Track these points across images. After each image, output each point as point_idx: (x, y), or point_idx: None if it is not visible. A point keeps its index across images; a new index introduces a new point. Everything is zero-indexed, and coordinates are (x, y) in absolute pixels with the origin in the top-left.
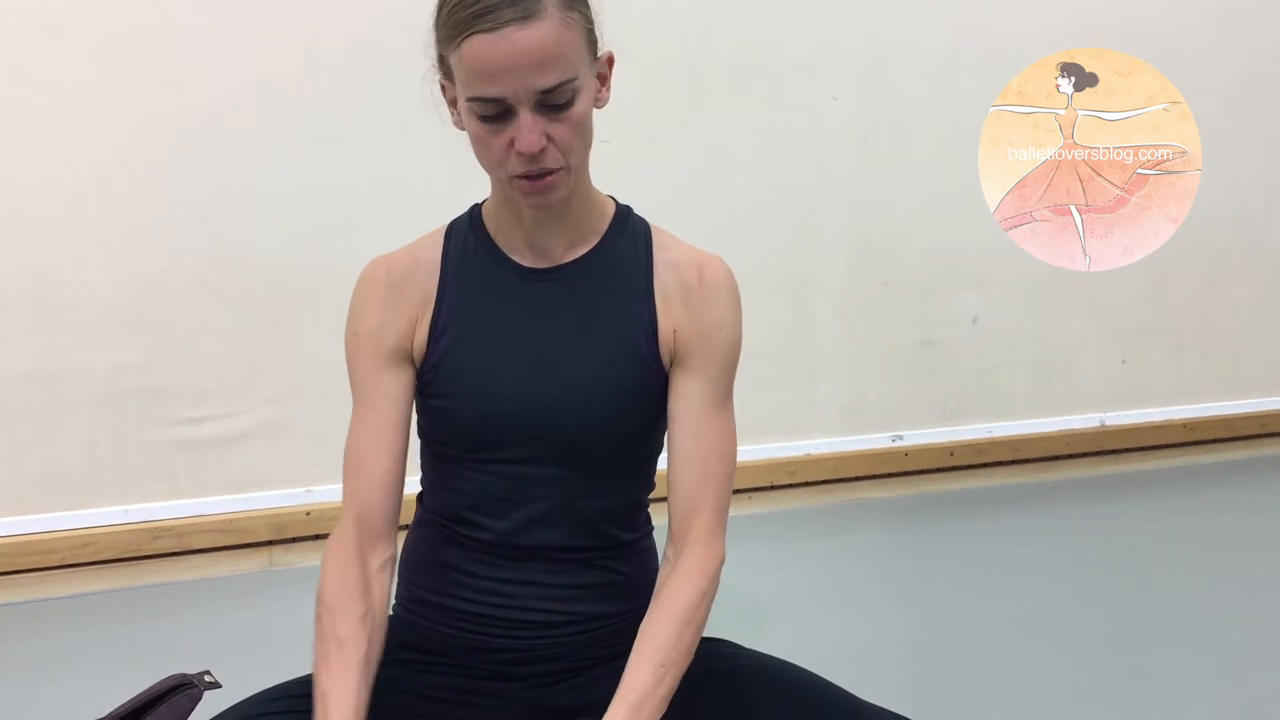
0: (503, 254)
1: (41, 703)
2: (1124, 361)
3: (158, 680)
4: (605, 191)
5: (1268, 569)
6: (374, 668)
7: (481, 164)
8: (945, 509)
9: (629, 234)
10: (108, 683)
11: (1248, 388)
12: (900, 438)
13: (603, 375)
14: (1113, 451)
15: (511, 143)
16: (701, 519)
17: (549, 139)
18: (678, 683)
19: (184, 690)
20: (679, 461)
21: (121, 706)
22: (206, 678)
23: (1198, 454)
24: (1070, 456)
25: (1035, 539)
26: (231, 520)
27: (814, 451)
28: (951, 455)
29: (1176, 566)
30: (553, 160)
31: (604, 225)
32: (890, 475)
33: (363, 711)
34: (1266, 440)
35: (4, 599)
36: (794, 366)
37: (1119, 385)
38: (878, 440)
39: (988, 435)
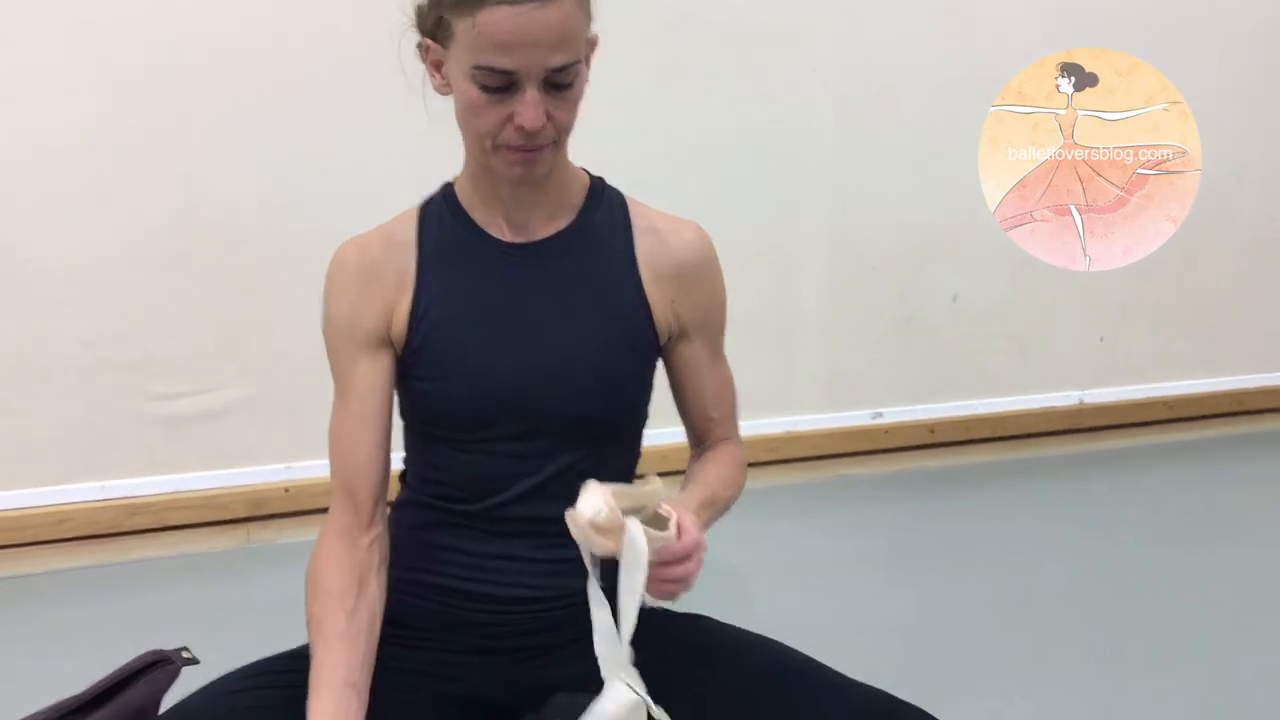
0: (481, 230)
1: (17, 679)
2: (1102, 339)
3: (135, 656)
4: (584, 164)
5: (1245, 545)
6: (369, 641)
7: (465, 132)
8: (925, 486)
9: (606, 205)
10: (84, 659)
11: (1226, 365)
12: (880, 414)
13: (592, 348)
14: (1091, 429)
15: (509, 117)
16: (722, 432)
17: (548, 117)
18: (722, 513)
19: (161, 666)
20: (691, 404)
21: (99, 683)
22: (184, 654)
23: (1176, 431)
24: (1049, 433)
25: (1015, 516)
26: (209, 496)
27: (794, 428)
28: (932, 432)
29: (1155, 542)
30: (548, 137)
31: (580, 198)
32: (871, 452)
33: (356, 683)
34: (1244, 418)
35: None
36: (774, 343)
37: (1097, 362)
38: (858, 417)
39: (968, 412)
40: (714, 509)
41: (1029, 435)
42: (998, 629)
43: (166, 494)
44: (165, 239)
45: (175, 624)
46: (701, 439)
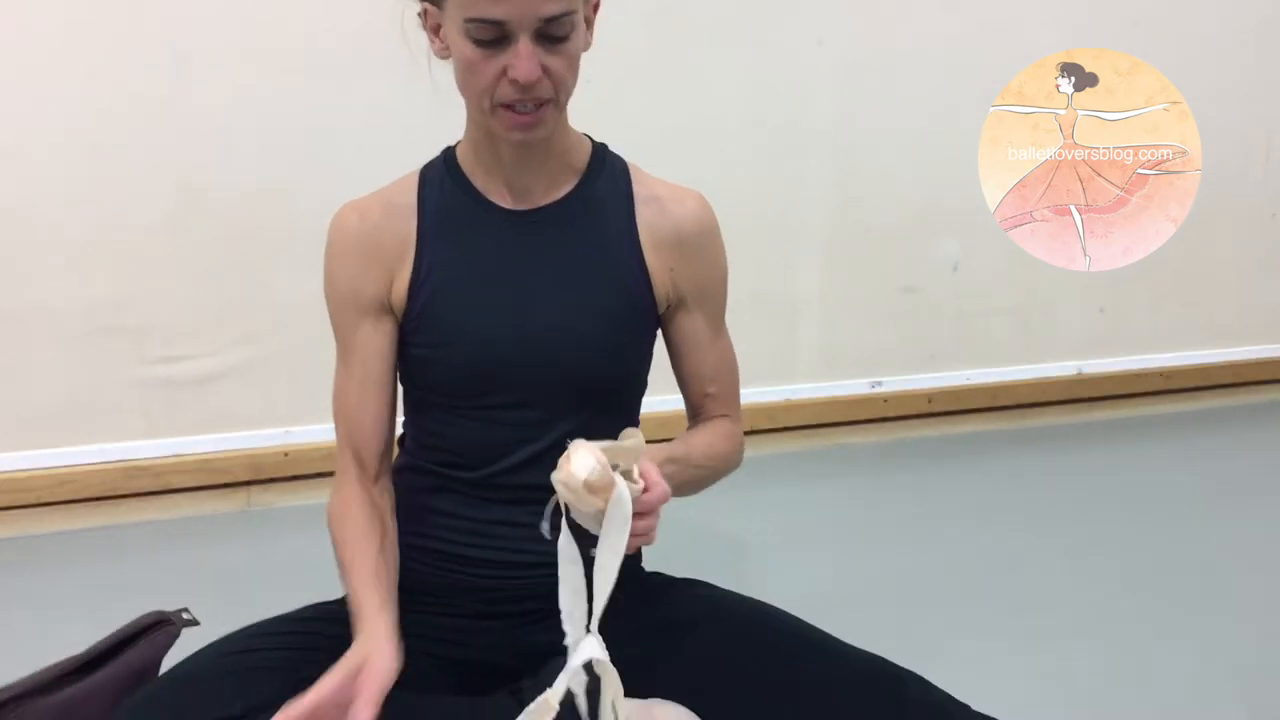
0: (482, 196)
1: (18, 639)
2: (1101, 310)
3: (136, 618)
4: (586, 131)
5: (1241, 514)
6: (394, 574)
7: (464, 93)
8: (924, 455)
9: (608, 172)
10: (85, 620)
11: (1224, 336)
12: (880, 384)
13: (591, 316)
14: (1090, 399)
15: (504, 71)
16: (719, 409)
17: (544, 70)
18: (699, 478)
19: (162, 628)
20: (689, 377)
21: (99, 644)
22: (184, 615)
23: (1174, 402)
24: (1048, 404)
25: (1012, 485)
26: (209, 460)
27: (794, 397)
28: (930, 402)
29: (1152, 512)
30: (545, 91)
31: (582, 163)
32: (869, 421)
33: (393, 604)
34: (1241, 389)
35: None
36: (774, 312)
37: (1096, 333)
38: (857, 386)
39: (966, 382)
40: (683, 467)
41: (1028, 405)
42: (994, 596)
43: (167, 457)
44: (165, 204)
45: (176, 586)
46: (698, 413)
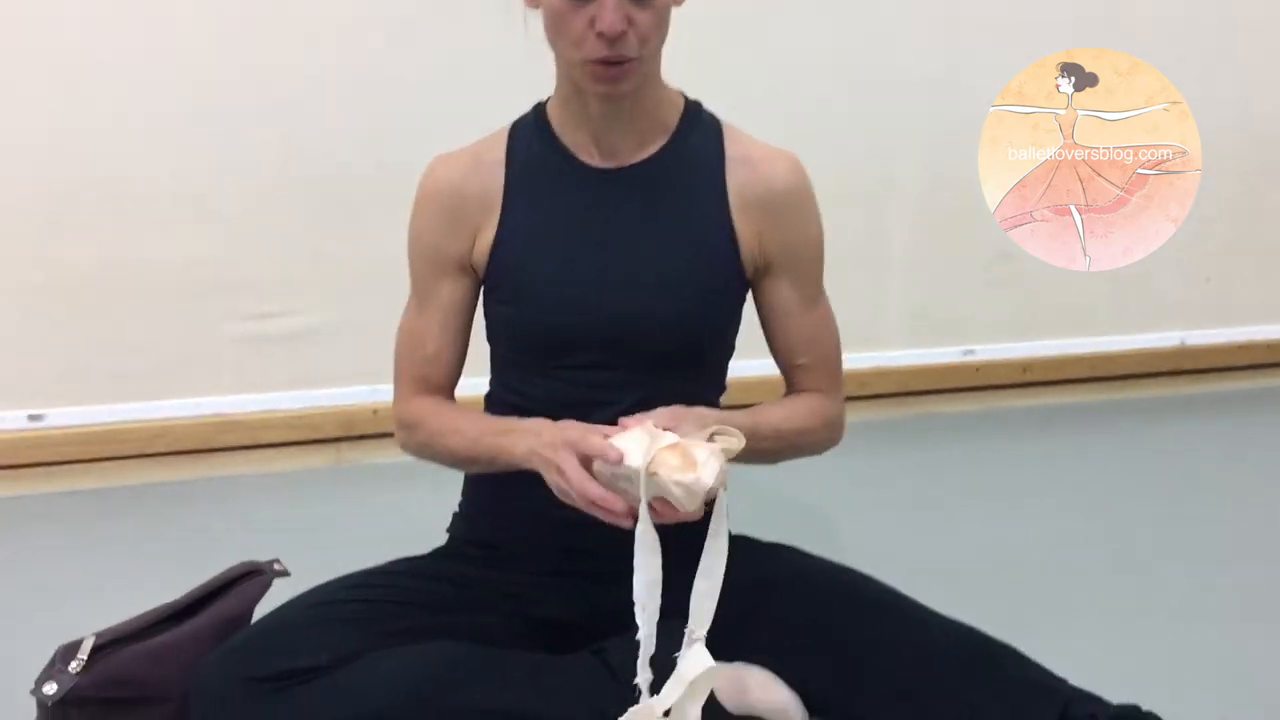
0: (570, 154)
1: (114, 586)
2: (1208, 279)
3: (228, 567)
4: (680, 89)
5: None
6: None
7: (553, 45)
8: (1017, 426)
9: (700, 131)
10: (180, 569)
11: None
12: (972, 352)
13: (675, 277)
14: (1192, 371)
15: (592, 23)
16: (812, 382)
17: (630, 24)
18: (768, 451)
19: (253, 578)
20: (779, 347)
21: (193, 591)
22: (275, 566)
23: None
24: (1148, 375)
25: (1109, 457)
26: (300, 416)
27: (883, 364)
28: (1025, 371)
29: (1260, 490)
30: (630, 48)
31: (674, 121)
32: (960, 390)
33: None
34: None
35: (79, 485)
36: (864, 275)
37: (1201, 303)
38: (949, 354)
39: (1063, 352)
40: (747, 439)
41: (1127, 376)
42: (1086, 569)
43: (258, 412)
44: (261, 162)
45: (267, 538)
46: (790, 385)
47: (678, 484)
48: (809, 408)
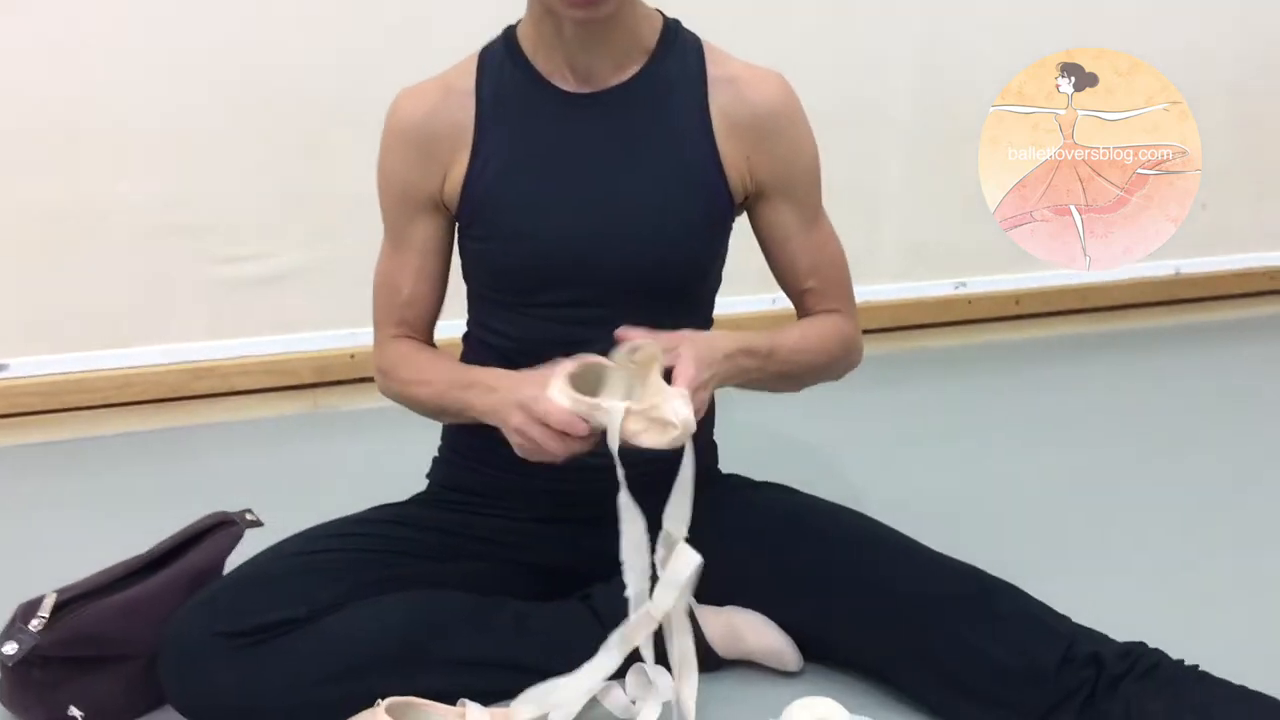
0: (543, 79)
1: (84, 539)
2: (1203, 206)
3: (199, 518)
4: (658, 7)
5: None
6: None
7: None
8: (1010, 359)
9: (679, 50)
10: (150, 521)
11: None
12: (964, 285)
13: (656, 206)
14: (1188, 300)
15: None
16: (823, 305)
17: None
18: (787, 373)
19: (225, 528)
20: (784, 273)
21: (163, 543)
22: (248, 516)
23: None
24: (1143, 305)
25: (1102, 389)
26: (275, 361)
27: (874, 298)
28: (1018, 303)
29: (1257, 418)
30: None
31: (651, 41)
32: (953, 324)
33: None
34: None
35: (46, 437)
36: (854, 208)
37: (1196, 230)
38: (941, 287)
39: (1056, 283)
40: (763, 359)
41: (1121, 307)
42: (1079, 503)
43: (232, 358)
44: (227, 101)
45: (241, 488)
46: (802, 311)
47: (676, 437)
48: (826, 326)
